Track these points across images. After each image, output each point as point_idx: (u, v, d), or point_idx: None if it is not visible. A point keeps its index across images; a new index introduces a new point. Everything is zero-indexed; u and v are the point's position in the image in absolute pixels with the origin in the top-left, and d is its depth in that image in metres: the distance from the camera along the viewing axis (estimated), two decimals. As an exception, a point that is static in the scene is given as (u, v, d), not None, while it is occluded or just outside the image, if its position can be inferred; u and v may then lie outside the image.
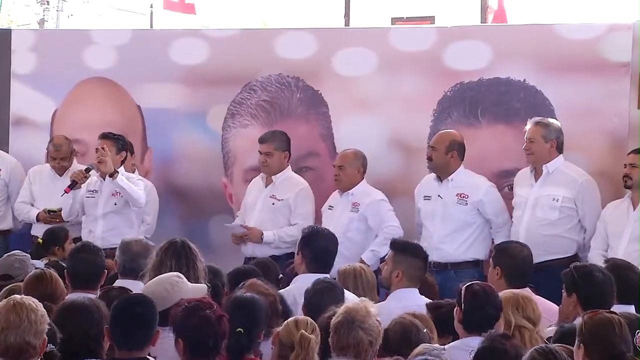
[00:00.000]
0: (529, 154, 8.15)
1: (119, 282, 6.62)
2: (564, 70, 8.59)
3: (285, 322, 5.12)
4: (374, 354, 4.93)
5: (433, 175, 8.43)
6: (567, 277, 5.98)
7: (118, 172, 8.64)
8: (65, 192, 8.77)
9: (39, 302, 4.88)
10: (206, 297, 5.12)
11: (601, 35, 8.56)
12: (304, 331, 4.94)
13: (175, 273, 5.69)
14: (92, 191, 8.87)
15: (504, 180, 8.60)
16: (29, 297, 4.94)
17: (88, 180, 8.83)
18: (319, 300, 5.72)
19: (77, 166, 9.37)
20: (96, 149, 8.88)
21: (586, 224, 8.04)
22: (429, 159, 8.39)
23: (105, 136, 8.88)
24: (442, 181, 8.33)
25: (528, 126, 8.18)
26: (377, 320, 4.96)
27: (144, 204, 8.78)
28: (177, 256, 6.00)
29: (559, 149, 8.13)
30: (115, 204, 8.81)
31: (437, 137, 8.41)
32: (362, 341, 4.86)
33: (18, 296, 4.92)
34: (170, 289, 5.47)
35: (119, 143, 8.87)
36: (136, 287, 6.27)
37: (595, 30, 8.64)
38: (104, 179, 8.81)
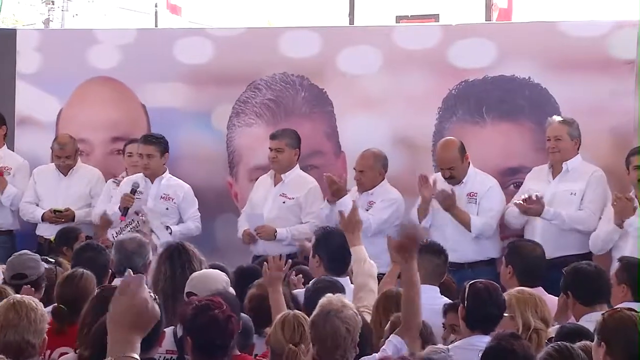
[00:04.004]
0: (555, 151, 8.16)
1: (116, 282, 6.61)
2: (569, 68, 8.58)
3: (274, 323, 5.13)
4: (354, 342, 4.93)
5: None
6: (561, 282, 6.06)
7: (171, 232, 8.58)
8: (121, 220, 8.71)
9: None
10: (217, 297, 5.13)
11: (606, 32, 8.55)
12: (291, 345, 4.99)
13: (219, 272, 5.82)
14: (138, 192, 8.85)
15: (508, 178, 8.60)
16: (29, 296, 4.94)
17: (130, 179, 8.86)
18: (319, 298, 5.71)
19: (81, 165, 9.37)
20: (140, 154, 8.88)
21: (584, 203, 8.04)
22: (451, 177, 8.31)
23: (149, 141, 8.85)
24: (454, 185, 8.33)
25: (551, 124, 8.18)
26: (354, 312, 4.97)
27: (200, 232, 8.80)
28: (170, 259, 6.02)
29: (579, 147, 8.17)
30: (167, 209, 8.83)
31: (445, 157, 8.31)
32: (339, 329, 4.87)
33: (18, 295, 4.92)
34: (227, 286, 5.61)
35: (162, 146, 8.90)
36: None
37: (600, 27, 8.63)
38: (152, 181, 8.81)
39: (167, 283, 5.88)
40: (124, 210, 8.70)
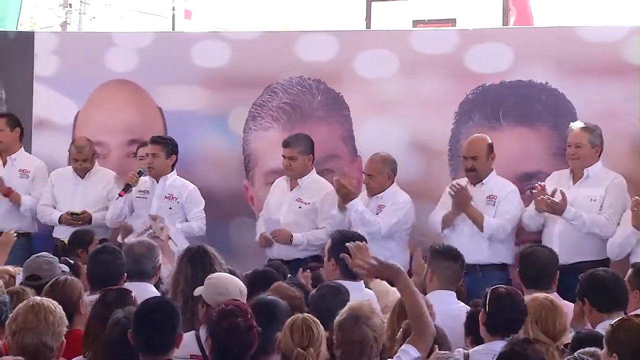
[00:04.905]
0: (575, 158, 8.15)
1: (126, 285, 6.59)
2: (587, 73, 8.57)
3: (284, 327, 5.14)
4: (378, 350, 4.97)
5: (464, 179, 8.40)
6: (577, 288, 6.05)
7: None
8: (120, 195, 8.87)
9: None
10: (244, 304, 5.13)
11: (623, 37, 8.54)
12: (300, 349, 4.99)
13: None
14: (143, 191, 8.94)
15: (525, 183, 8.58)
16: (48, 299, 4.94)
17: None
18: (324, 303, 5.71)
19: (98, 168, 9.41)
20: (146, 153, 8.96)
21: (603, 209, 8.02)
22: (471, 169, 8.32)
23: (155, 141, 8.94)
24: (475, 185, 8.32)
25: (573, 130, 8.16)
26: (382, 319, 5.04)
27: (204, 233, 8.81)
28: (192, 262, 6.02)
29: (600, 154, 8.14)
30: (171, 208, 8.86)
31: (472, 146, 8.34)
32: (367, 336, 4.92)
33: (38, 297, 4.93)
34: (225, 291, 5.55)
35: (169, 147, 8.94)
36: (141, 288, 6.27)
37: (616, 32, 8.62)
38: (157, 181, 8.86)
39: (188, 285, 5.87)
40: (126, 187, 8.83)
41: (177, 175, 9.05)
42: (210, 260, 6.05)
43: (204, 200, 8.97)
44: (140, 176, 8.91)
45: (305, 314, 5.25)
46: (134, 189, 8.94)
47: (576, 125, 8.22)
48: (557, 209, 7.97)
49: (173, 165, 8.99)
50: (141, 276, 6.59)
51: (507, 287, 5.59)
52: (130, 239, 7.21)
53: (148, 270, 6.64)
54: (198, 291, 5.65)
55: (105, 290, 5.80)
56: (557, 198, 7.98)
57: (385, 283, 6.48)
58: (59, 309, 4.87)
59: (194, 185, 9.01)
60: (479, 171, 8.32)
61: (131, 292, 5.70)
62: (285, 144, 8.78)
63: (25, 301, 4.93)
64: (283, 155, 8.77)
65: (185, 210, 8.91)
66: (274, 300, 5.49)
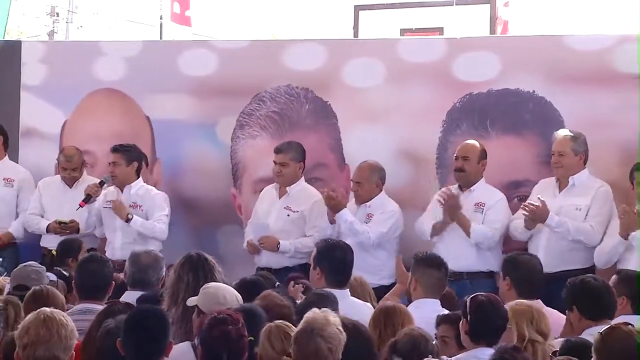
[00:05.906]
0: (559, 167, 8.15)
1: (127, 294, 6.59)
2: (574, 82, 8.59)
3: (261, 338, 5.11)
4: None
5: (454, 185, 8.40)
6: (565, 295, 6.04)
7: (132, 218, 8.69)
8: (80, 205, 8.87)
9: None
10: (236, 313, 5.11)
11: (611, 46, 8.56)
12: (285, 357, 4.98)
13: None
14: (109, 201, 8.92)
15: (512, 192, 8.59)
16: (59, 311, 4.93)
17: (105, 191, 8.92)
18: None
19: (87, 177, 9.39)
20: (109, 162, 8.95)
21: (588, 218, 8.02)
22: (460, 169, 8.32)
23: (115, 149, 8.94)
24: (463, 191, 8.32)
25: (556, 138, 8.17)
26: (338, 329, 4.95)
27: (165, 238, 8.81)
28: (194, 270, 5.98)
29: (585, 162, 8.14)
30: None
31: (466, 147, 8.37)
32: (321, 349, 4.86)
33: (48, 309, 4.90)
34: (223, 300, 5.52)
35: (129, 154, 8.92)
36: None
37: (605, 41, 8.65)
38: (122, 190, 8.86)
39: (189, 294, 5.82)
40: (87, 197, 8.84)
41: (161, 185, 9.06)
42: (211, 268, 6.04)
43: (168, 207, 8.93)
44: (101, 186, 8.89)
45: (277, 322, 5.22)
46: (100, 199, 8.92)
47: (560, 133, 8.24)
48: (539, 216, 7.97)
49: (138, 172, 8.97)
50: (144, 285, 6.59)
51: (486, 295, 5.57)
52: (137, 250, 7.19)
53: (152, 280, 6.65)
54: (192, 301, 5.62)
55: (111, 302, 5.80)
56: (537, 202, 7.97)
57: (369, 308, 6.44)
58: (70, 321, 4.86)
59: (158, 191, 9.03)
60: (468, 173, 8.32)
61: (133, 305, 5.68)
62: (278, 150, 8.78)
63: (35, 313, 4.90)
64: (274, 162, 8.76)
65: (147, 215, 8.89)
66: (250, 306, 5.48)
